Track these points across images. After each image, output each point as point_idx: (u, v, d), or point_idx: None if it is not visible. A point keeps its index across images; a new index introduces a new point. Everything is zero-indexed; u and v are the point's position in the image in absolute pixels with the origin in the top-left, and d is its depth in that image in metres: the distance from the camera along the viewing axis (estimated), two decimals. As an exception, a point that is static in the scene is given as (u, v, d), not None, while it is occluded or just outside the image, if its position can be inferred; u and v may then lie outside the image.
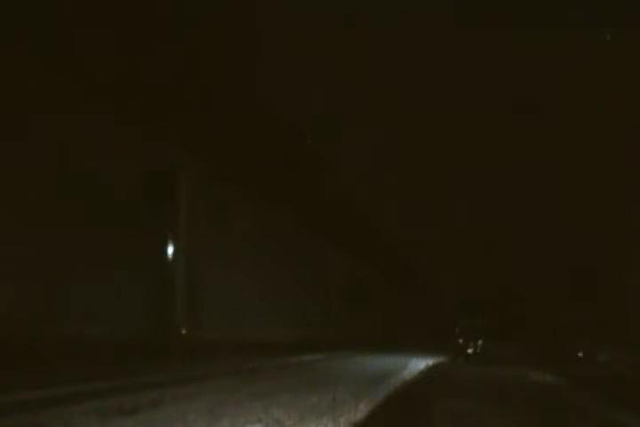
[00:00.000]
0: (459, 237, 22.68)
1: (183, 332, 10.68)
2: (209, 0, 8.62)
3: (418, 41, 9.75)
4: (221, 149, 11.69)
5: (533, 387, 10.42)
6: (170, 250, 10.75)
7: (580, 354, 19.32)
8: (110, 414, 4.83)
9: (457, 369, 14.42)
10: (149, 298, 9.99)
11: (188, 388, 6.94)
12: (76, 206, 8.36)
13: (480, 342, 23.11)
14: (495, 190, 17.36)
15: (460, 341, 23.78)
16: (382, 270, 28.40)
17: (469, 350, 22.78)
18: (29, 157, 7.52)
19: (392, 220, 21.74)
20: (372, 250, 24.75)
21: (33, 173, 7.55)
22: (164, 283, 10.52)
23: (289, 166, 14.12)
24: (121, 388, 6.41)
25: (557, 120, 12.68)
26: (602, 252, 19.42)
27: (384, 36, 9.64)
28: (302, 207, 16.47)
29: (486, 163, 15.37)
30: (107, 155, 9.00)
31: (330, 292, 21.51)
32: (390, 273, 29.48)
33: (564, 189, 16.51)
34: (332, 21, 9.20)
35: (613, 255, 18.85)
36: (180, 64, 9.36)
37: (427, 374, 11.77)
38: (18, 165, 7.34)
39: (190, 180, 11.48)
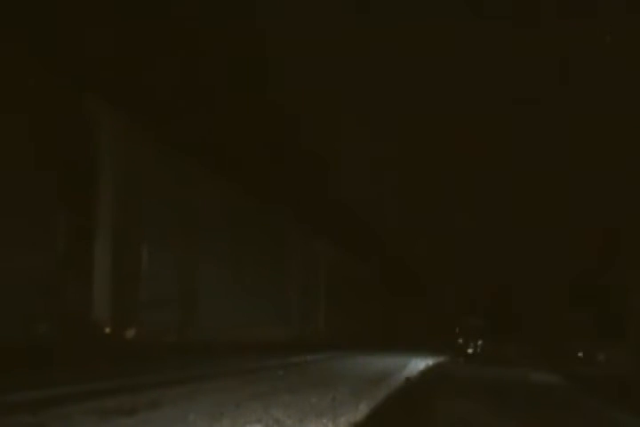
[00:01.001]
0: (459, 236, 22.68)
1: (107, 331, 8.50)
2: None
3: (418, 40, 9.75)
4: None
5: (534, 387, 10.42)
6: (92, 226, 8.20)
7: (580, 354, 19.33)
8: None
9: (457, 369, 14.42)
10: (56, 288, 7.73)
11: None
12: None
13: (480, 342, 23.15)
14: (495, 190, 17.36)
15: (460, 341, 23.84)
16: (380, 269, 28.33)
17: (469, 350, 22.83)
18: None
19: (391, 219, 21.74)
20: (369, 247, 24.60)
21: None
22: (79, 270, 8.16)
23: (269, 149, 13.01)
24: None
25: (557, 120, 12.68)
26: (602, 252, 19.42)
27: (384, 36, 9.64)
28: (288, 199, 15.60)
29: (486, 162, 15.37)
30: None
31: (315, 287, 20.24)
32: (388, 272, 29.40)
33: (564, 189, 16.51)
34: (333, 21, 9.19)
35: (613, 255, 18.85)
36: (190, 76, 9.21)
37: (427, 374, 11.76)
38: None
39: (118, 136, 8.81)
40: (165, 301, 10.14)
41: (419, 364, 14.06)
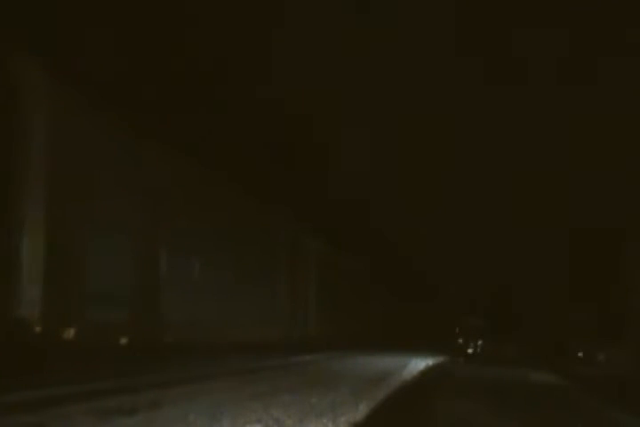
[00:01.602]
0: (459, 236, 22.68)
1: (37, 330, 7.37)
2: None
3: (418, 40, 9.75)
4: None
5: (534, 387, 10.42)
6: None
7: (580, 354, 19.33)
8: None
9: (457, 369, 14.41)
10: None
11: None
12: None
13: (480, 342, 23.15)
14: (495, 190, 17.36)
15: (460, 341, 23.83)
16: (380, 269, 28.24)
17: (469, 350, 22.83)
18: None
19: (391, 219, 21.73)
20: (369, 247, 24.43)
21: None
22: (3, 261, 7.00)
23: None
24: None
25: (557, 120, 12.69)
26: (602, 251, 19.41)
27: (384, 36, 9.64)
28: (287, 198, 15.30)
29: (486, 162, 15.37)
30: None
31: (310, 286, 19.46)
32: (388, 272, 29.30)
33: (564, 189, 16.51)
34: (334, 21, 9.20)
35: (613, 255, 18.84)
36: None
37: (427, 374, 11.75)
38: None
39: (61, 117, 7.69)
40: (115, 296, 8.86)
41: (419, 364, 14.06)
